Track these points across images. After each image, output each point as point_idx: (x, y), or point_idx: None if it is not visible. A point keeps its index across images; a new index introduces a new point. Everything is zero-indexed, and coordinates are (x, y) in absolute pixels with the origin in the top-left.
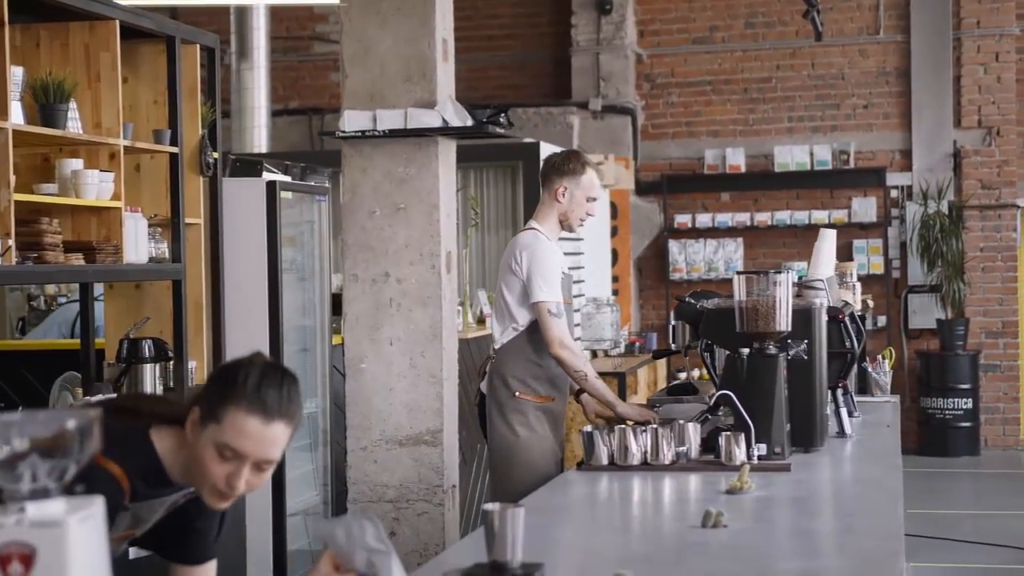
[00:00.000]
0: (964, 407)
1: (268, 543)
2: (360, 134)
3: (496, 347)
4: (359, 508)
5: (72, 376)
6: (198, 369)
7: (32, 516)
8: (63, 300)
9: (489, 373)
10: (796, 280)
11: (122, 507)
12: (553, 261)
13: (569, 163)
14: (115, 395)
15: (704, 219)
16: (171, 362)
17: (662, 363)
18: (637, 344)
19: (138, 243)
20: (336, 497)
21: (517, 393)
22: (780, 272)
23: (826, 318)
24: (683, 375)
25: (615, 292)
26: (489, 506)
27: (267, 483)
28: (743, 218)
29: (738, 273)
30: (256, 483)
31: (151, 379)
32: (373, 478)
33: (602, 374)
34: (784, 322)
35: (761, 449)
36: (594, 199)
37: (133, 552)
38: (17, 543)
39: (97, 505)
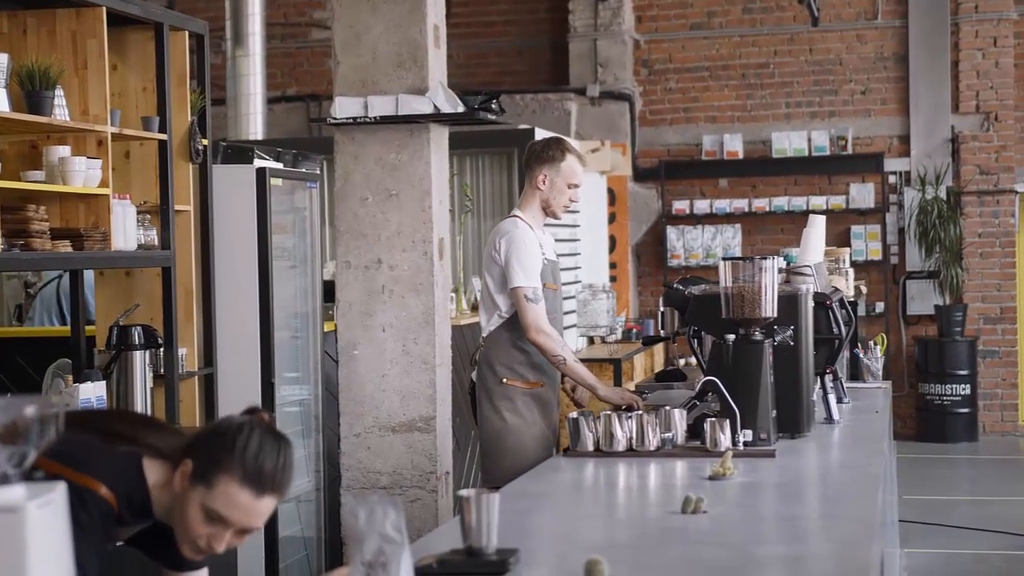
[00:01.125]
0: (962, 393)
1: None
2: (352, 121)
3: (483, 335)
4: (385, 494)
5: (64, 363)
6: (188, 356)
7: None
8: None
9: (479, 360)
10: (784, 266)
11: (112, 531)
12: (531, 247)
13: (549, 150)
14: (108, 411)
15: (702, 205)
16: (161, 349)
17: (659, 349)
18: (634, 331)
19: (126, 230)
20: (329, 484)
21: (504, 380)
22: (766, 258)
23: (812, 304)
24: (682, 361)
25: (613, 279)
26: (464, 492)
27: None
28: (741, 204)
29: (724, 259)
30: (236, 543)
31: (141, 366)
32: (366, 464)
33: (598, 360)
34: (770, 308)
35: (747, 435)
36: (575, 186)
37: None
38: None
39: (58, 491)
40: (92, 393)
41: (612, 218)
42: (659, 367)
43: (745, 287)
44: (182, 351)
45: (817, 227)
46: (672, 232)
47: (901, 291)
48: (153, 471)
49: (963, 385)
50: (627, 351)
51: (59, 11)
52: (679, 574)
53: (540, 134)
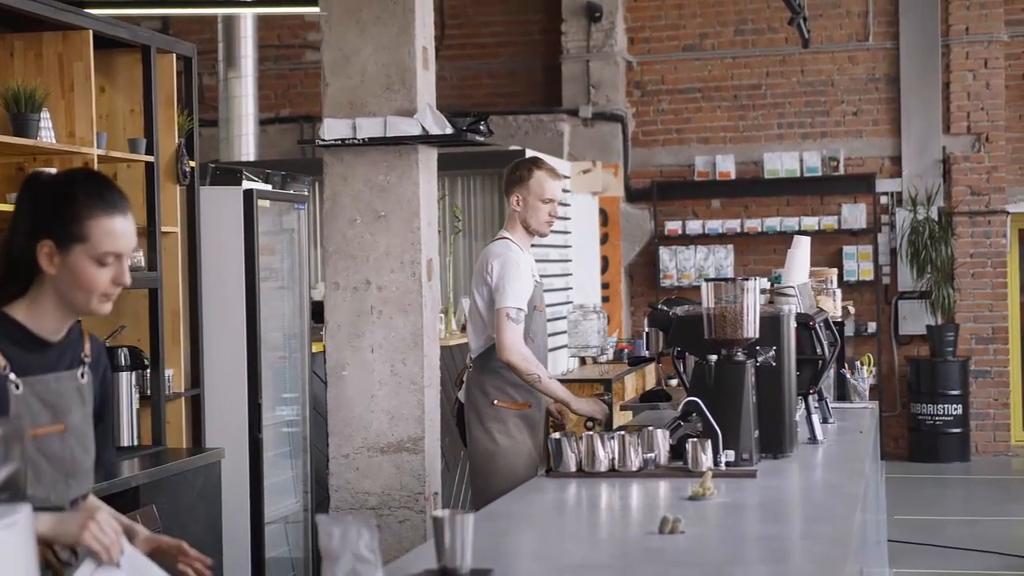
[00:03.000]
0: (954, 413)
1: (246, 551)
2: (340, 142)
3: (473, 356)
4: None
5: None
6: (175, 377)
7: None
8: None
9: (467, 382)
10: (767, 287)
11: (6, 379)
12: (522, 270)
13: (517, 171)
14: None
15: (694, 226)
16: (147, 371)
17: (651, 369)
18: (626, 351)
19: None
20: (317, 505)
21: (496, 401)
22: (748, 279)
23: (795, 325)
24: (674, 382)
25: (606, 299)
26: (438, 513)
27: (245, 491)
28: (733, 225)
29: (706, 280)
30: (127, 278)
31: (127, 388)
32: (355, 485)
33: (589, 380)
34: (752, 329)
35: (729, 456)
36: (550, 200)
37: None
38: None
39: (23, 513)
40: None
41: (605, 239)
42: (651, 387)
43: (727, 308)
44: (169, 372)
45: (802, 248)
46: (664, 252)
47: (893, 311)
48: (14, 310)
49: (955, 405)
50: (618, 371)
51: (46, 34)
52: None
53: (530, 155)
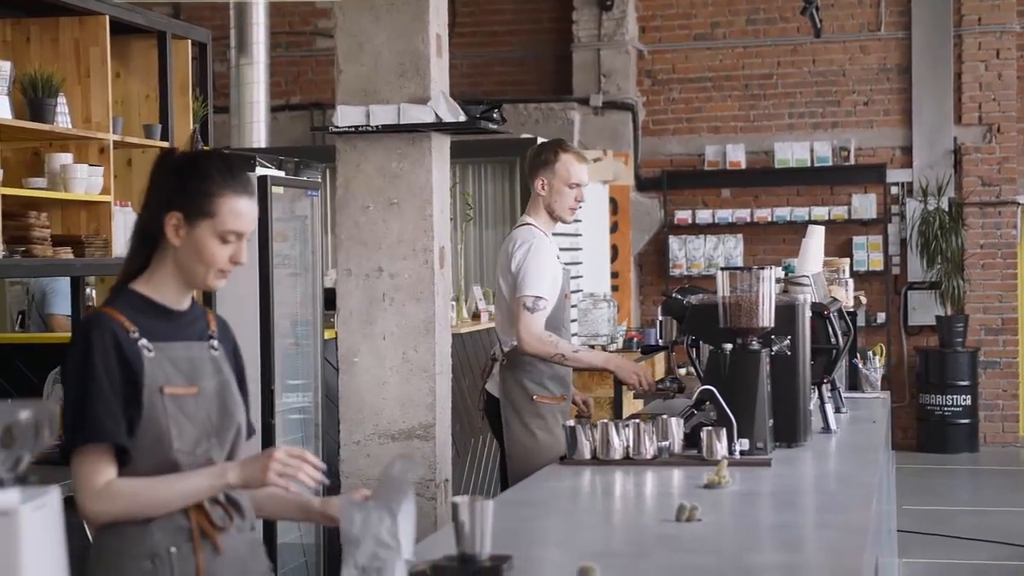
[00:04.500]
0: (963, 404)
1: (259, 537)
2: (353, 129)
3: (506, 349)
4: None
5: None
6: None
7: None
8: None
9: (502, 376)
10: (782, 276)
11: (129, 338)
12: (547, 257)
13: (541, 154)
14: None
15: (704, 215)
16: None
17: (660, 358)
18: (636, 340)
19: (128, 237)
20: (327, 492)
21: (535, 397)
22: (764, 268)
23: (810, 314)
24: (683, 371)
25: (615, 288)
26: (458, 499)
27: None
28: (743, 214)
29: (722, 269)
30: (244, 257)
31: None
32: (366, 472)
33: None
34: (767, 318)
35: (743, 444)
36: (576, 185)
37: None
38: None
39: (52, 495)
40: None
41: (614, 227)
42: (660, 375)
43: (743, 297)
44: None
45: (816, 237)
46: (674, 242)
47: (902, 302)
48: (139, 284)
49: (964, 396)
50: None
51: (62, 19)
52: None
53: (554, 139)
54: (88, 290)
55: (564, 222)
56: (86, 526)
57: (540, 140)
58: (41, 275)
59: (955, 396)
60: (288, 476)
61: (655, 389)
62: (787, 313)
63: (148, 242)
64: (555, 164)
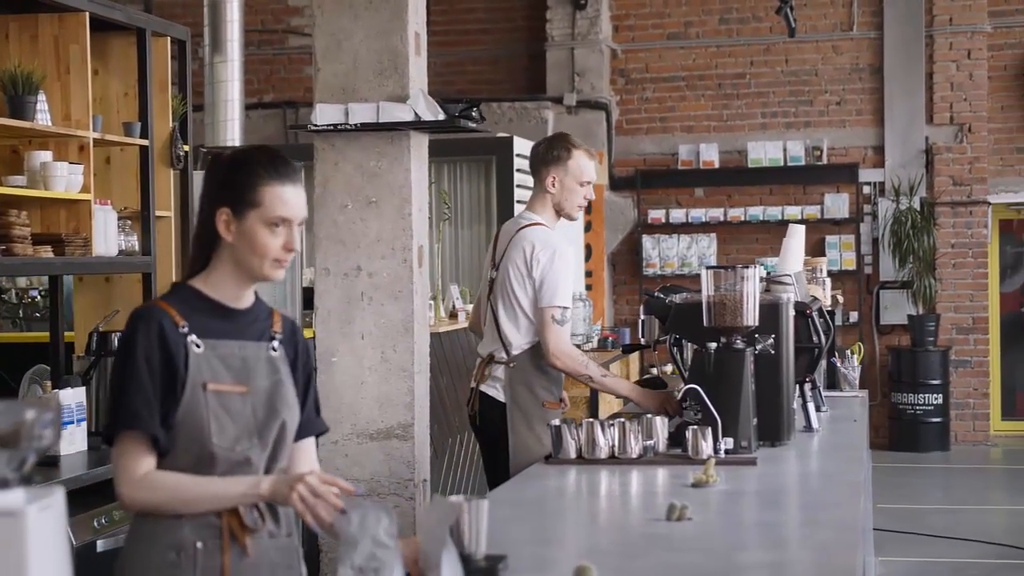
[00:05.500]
0: (934, 403)
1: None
2: (332, 128)
3: (514, 352)
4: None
5: (42, 369)
6: None
7: None
8: (35, 293)
9: (510, 381)
10: (764, 275)
11: (177, 331)
12: (568, 264)
13: (554, 150)
14: None
15: (678, 214)
16: None
17: (635, 358)
18: (611, 339)
19: (107, 236)
20: None
21: (545, 403)
22: (748, 267)
23: (793, 313)
24: (654, 370)
25: (589, 287)
26: (454, 499)
27: None
28: (716, 214)
29: (706, 268)
30: (297, 244)
31: None
32: (344, 472)
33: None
34: (751, 317)
35: (728, 443)
36: (587, 182)
37: (101, 544)
38: None
39: (57, 495)
40: (72, 399)
41: (588, 227)
42: (634, 375)
43: (727, 296)
44: None
45: (797, 236)
46: (648, 241)
47: (874, 301)
48: (196, 282)
49: (935, 395)
50: (603, 359)
51: (41, 16)
52: None
53: (519, 143)
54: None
55: (571, 219)
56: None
57: (517, 139)
58: (22, 274)
59: (927, 395)
60: (308, 507)
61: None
62: (771, 312)
63: (206, 243)
64: (568, 161)
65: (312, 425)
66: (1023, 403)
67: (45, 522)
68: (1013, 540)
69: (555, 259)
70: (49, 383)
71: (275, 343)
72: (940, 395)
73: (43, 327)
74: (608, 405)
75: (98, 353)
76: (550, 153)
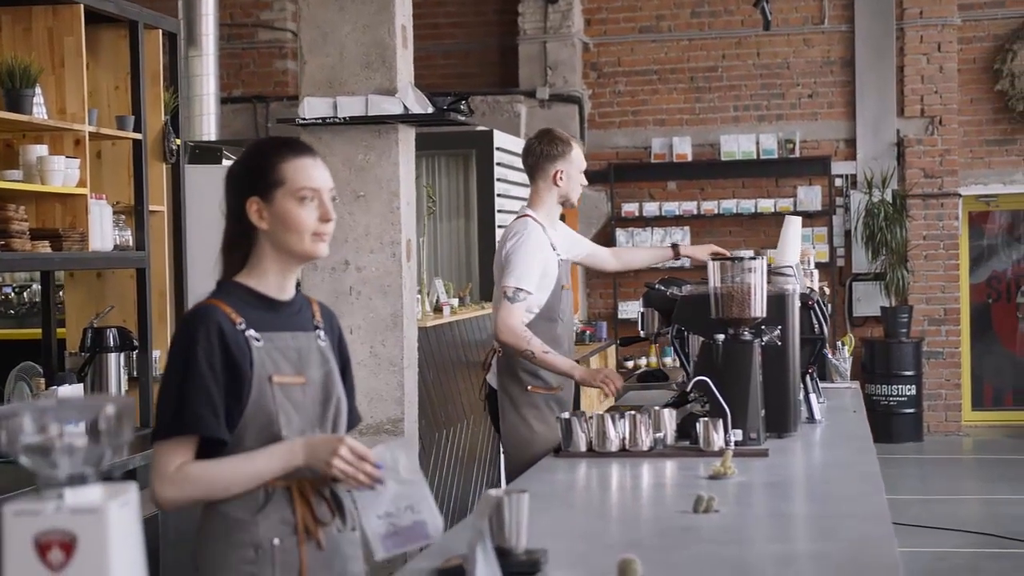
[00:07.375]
0: (908, 394)
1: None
2: (320, 121)
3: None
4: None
5: (29, 367)
6: (163, 358)
7: (71, 503)
8: (8, 290)
9: (498, 367)
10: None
11: (236, 329)
12: (537, 250)
13: (556, 146)
14: None
15: (651, 208)
16: (135, 351)
17: (611, 351)
18: (588, 333)
19: (103, 230)
20: None
21: (529, 387)
22: (755, 258)
23: (798, 304)
24: (644, 361)
25: None
26: (494, 492)
27: None
28: (690, 207)
29: (713, 259)
30: (332, 214)
31: (115, 368)
32: None
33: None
34: (759, 308)
35: (737, 435)
36: (584, 170)
37: None
38: (57, 530)
39: (132, 491)
40: (70, 395)
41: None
42: (622, 367)
43: (734, 287)
44: (156, 353)
45: (794, 228)
46: (621, 234)
47: (847, 293)
48: (241, 277)
49: (908, 386)
50: (582, 353)
51: (36, 8)
52: (711, 572)
53: (499, 136)
54: None
55: (574, 206)
56: None
57: (497, 133)
58: (20, 269)
59: (900, 386)
60: (350, 476)
61: (624, 390)
62: (777, 303)
63: (242, 240)
64: (570, 154)
65: (351, 416)
66: (990, 394)
67: (124, 517)
68: (989, 528)
69: (519, 242)
70: (43, 380)
71: (320, 332)
72: (913, 386)
73: (15, 324)
74: (589, 399)
75: (93, 349)
76: (553, 149)
